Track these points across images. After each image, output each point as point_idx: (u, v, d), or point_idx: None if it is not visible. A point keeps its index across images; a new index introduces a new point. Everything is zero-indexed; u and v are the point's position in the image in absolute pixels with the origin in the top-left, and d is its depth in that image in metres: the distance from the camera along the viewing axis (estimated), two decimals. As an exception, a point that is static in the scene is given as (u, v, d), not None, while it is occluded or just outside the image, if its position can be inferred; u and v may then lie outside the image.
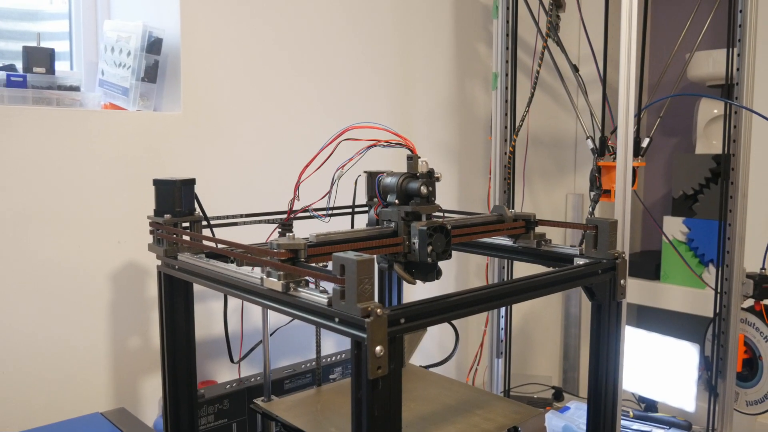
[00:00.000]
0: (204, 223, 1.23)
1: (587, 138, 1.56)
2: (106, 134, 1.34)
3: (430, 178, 1.03)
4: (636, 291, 2.24)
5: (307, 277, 0.87)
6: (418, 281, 1.06)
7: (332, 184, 1.13)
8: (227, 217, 1.31)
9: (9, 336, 1.25)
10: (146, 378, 1.44)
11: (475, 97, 2.12)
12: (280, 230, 1.19)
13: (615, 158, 1.51)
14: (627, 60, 1.29)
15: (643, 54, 1.47)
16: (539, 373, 2.33)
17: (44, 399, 1.29)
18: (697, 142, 2.15)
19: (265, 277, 0.88)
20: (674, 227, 2.17)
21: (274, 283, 0.86)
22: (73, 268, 1.32)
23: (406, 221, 1.01)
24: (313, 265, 0.90)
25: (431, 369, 1.42)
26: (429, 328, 1.47)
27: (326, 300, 0.80)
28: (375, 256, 0.76)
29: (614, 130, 1.50)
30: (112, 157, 1.36)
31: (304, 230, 1.09)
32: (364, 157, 1.29)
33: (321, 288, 0.84)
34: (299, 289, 0.86)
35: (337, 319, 0.78)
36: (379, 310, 0.74)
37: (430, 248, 0.98)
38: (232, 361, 1.37)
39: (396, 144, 1.10)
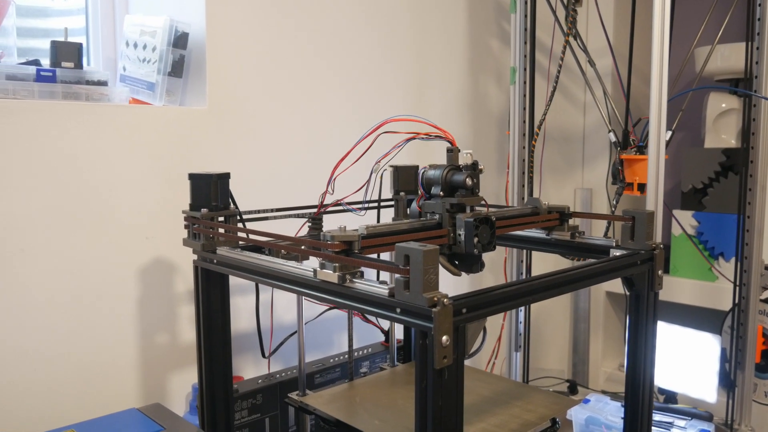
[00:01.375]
0: (238, 217, 1.23)
1: (609, 131, 1.57)
2: (134, 129, 1.33)
3: (475, 170, 1.03)
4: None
5: (361, 268, 0.87)
6: (458, 274, 1.06)
7: (369, 178, 1.13)
8: (258, 211, 1.30)
9: (40, 333, 1.24)
10: (174, 374, 1.43)
11: (489, 93, 2.13)
12: (310, 224, 1.19)
13: (637, 151, 1.53)
14: (659, 52, 1.30)
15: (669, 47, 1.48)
16: (549, 366, 2.34)
17: (76, 395, 1.28)
18: (706, 136, 2.17)
19: (318, 269, 0.88)
20: (684, 221, 2.19)
21: (329, 275, 0.86)
22: (102, 264, 1.31)
23: (450, 213, 1.02)
24: (369, 256, 0.90)
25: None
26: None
27: (387, 291, 0.80)
28: (438, 246, 0.76)
29: (636, 123, 1.51)
30: (140, 152, 1.35)
31: (332, 225, 1.09)
32: (385, 151, 1.29)
33: (373, 279, 0.84)
34: (355, 280, 0.86)
35: (399, 310, 0.78)
36: (445, 300, 0.74)
37: (476, 239, 0.98)
38: (263, 355, 1.36)
39: (435, 137, 1.11)
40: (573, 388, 2.04)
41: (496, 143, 2.16)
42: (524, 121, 1.78)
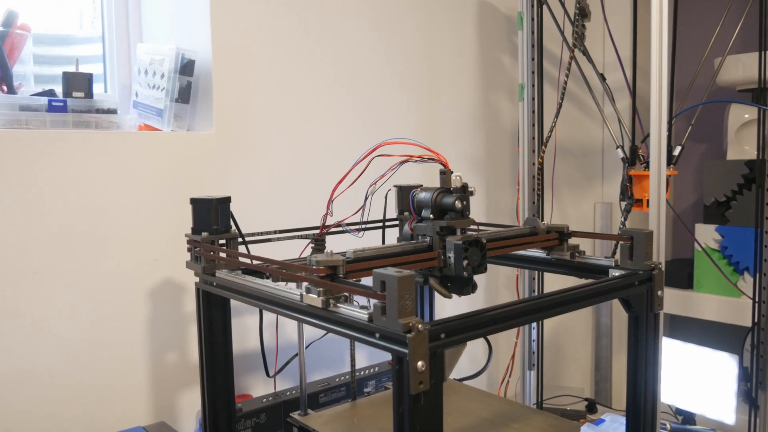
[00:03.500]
0: (240, 240, 1.25)
1: (617, 147, 1.56)
2: (143, 155, 1.37)
3: (464, 192, 1.03)
4: (668, 300, 2.21)
5: (345, 293, 0.88)
6: (453, 295, 1.06)
7: (365, 200, 1.14)
8: (261, 233, 1.33)
9: (52, 352, 1.28)
10: (184, 392, 1.46)
11: (501, 108, 2.13)
12: (313, 246, 1.21)
13: (646, 167, 1.51)
14: (658, 67, 1.29)
15: (673, 61, 1.46)
16: (571, 384, 2.31)
17: (85, 413, 1.32)
18: (729, 148, 2.13)
19: (304, 293, 0.90)
20: (707, 235, 2.15)
21: (314, 299, 0.88)
22: (112, 285, 1.35)
23: (441, 236, 1.02)
24: (352, 281, 0.91)
25: (465, 382, 1.43)
26: (463, 341, 1.47)
27: (366, 316, 0.81)
28: (413, 271, 0.77)
29: (645, 139, 1.49)
30: (149, 177, 1.39)
31: (336, 246, 1.11)
32: (396, 172, 1.30)
33: (359, 304, 0.85)
34: (339, 305, 0.87)
35: (377, 335, 0.79)
36: (420, 326, 0.75)
37: (465, 262, 0.99)
38: (267, 375, 1.38)
39: (428, 159, 1.11)
40: (591, 407, 2.01)
41: (510, 160, 2.16)
42: (533, 138, 1.77)
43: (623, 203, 1.52)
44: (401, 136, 1.92)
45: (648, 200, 1.48)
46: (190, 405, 1.46)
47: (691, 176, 2.49)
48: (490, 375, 2.13)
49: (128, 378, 1.38)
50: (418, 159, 1.12)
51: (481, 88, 2.07)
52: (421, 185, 1.23)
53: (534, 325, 1.82)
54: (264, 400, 1.33)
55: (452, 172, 1.09)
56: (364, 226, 1.20)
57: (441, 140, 1.97)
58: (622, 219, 1.52)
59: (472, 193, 1.05)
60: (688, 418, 1.74)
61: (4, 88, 1.38)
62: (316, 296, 0.88)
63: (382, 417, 1.21)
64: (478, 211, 2.08)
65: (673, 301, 2.22)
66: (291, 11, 1.60)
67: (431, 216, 1.03)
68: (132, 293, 1.38)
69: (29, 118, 1.25)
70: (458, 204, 1.02)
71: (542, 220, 1.84)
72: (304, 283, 0.91)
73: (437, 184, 1.06)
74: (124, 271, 1.37)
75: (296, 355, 1.46)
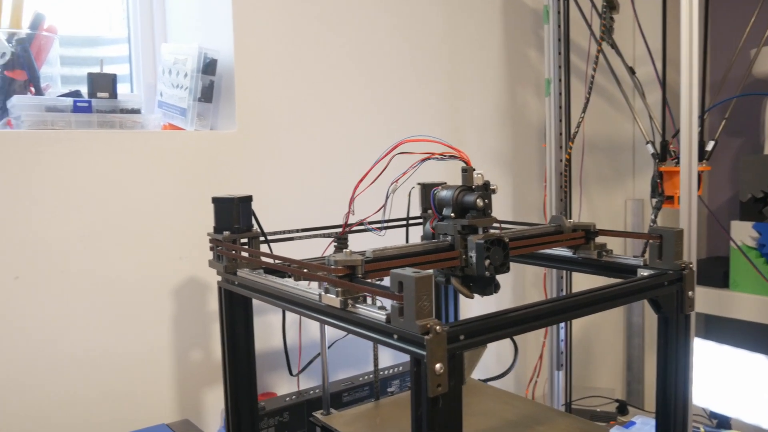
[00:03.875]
0: (262, 238, 1.25)
1: (647, 143, 1.52)
2: (166, 154, 1.38)
3: (486, 190, 1.01)
4: (702, 300, 2.15)
5: (364, 293, 0.87)
6: (477, 295, 1.04)
7: (386, 198, 1.13)
8: (284, 232, 1.32)
9: (77, 349, 1.30)
10: (209, 390, 1.46)
11: (528, 103, 2.09)
12: (336, 244, 1.20)
13: (677, 163, 1.47)
14: (688, 59, 1.25)
15: (705, 53, 1.41)
16: (601, 385, 2.26)
17: (111, 410, 1.33)
18: (766, 142, 2.06)
19: (323, 293, 0.89)
20: (743, 232, 2.08)
21: (332, 300, 0.87)
22: (137, 284, 1.36)
23: (462, 235, 1.00)
24: (371, 281, 0.89)
25: (490, 383, 1.40)
26: (487, 341, 1.44)
27: (384, 317, 0.79)
28: (432, 271, 0.75)
29: (676, 134, 1.45)
30: (172, 176, 1.39)
31: (359, 244, 1.10)
32: (418, 169, 1.28)
33: (379, 304, 0.84)
34: (357, 305, 0.86)
35: (395, 336, 0.78)
36: (438, 327, 0.73)
37: (487, 262, 0.97)
38: (291, 373, 1.38)
39: (450, 156, 1.10)
40: (622, 409, 1.97)
41: (537, 156, 2.12)
42: (560, 134, 1.74)
43: (654, 200, 1.47)
44: (425, 132, 1.90)
45: (679, 197, 1.44)
46: (215, 403, 1.47)
47: (727, 172, 2.41)
48: (518, 375, 2.10)
49: (153, 376, 1.39)
50: (439, 156, 1.11)
51: (506, 83, 2.04)
52: (445, 183, 1.21)
53: (562, 324, 1.79)
54: (287, 398, 1.33)
55: (474, 170, 1.07)
56: (385, 224, 1.19)
57: (465, 137, 1.95)
58: (653, 216, 1.48)
59: (494, 191, 1.03)
60: (722, 421, 1.69)
61: (32, 89, 1.40)
62: (334, 296, 0.86)
63: (404, 417, 1.20)
64: (504, 208, 2.05)
65: (708, 300, 2.16)
66: (312, 8, 1.60)
67: (452, 214, 1.02)
68: (156, 292, 1.39)
69: (55, 119, 1.26)
70: (480, 202, 1.00)
71: (570, 217, 1.81)
72: (324, 283, 0.90)
73: (460, 182, 1.04)
74: (148, 269, 1.37)
75: (319, 354, 1.46)
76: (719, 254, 2.41)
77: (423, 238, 1.09)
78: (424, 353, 0.73)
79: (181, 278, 1.42)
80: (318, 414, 1.24)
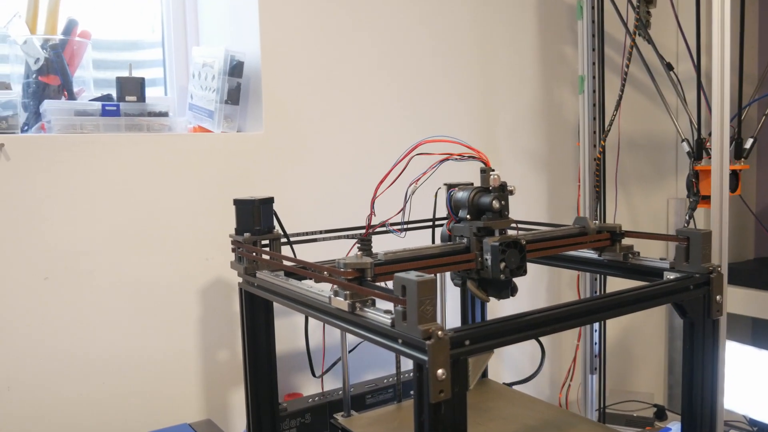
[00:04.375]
0: (284, 240, 1.26)
1: (682, 141, 1.46)
2: (193, 156, 1.40)
3: (503, 191, 0.99)
4: (748, 303, 2.07)
5: (372, 297, 0.86)
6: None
7: (405, 200, 1.12)
8: (307, 233, 1.33)
9: (107, 349, 1.33)
10: (235, 390, 1.48)
11: (564, 101, 2.04)
12: (359, 246, 1.19)
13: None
14: (720, 53, 1.19)
15: (741, 45, 1.35)
16: (640, 389, 2.19)
17: (140, 409, 1.36)
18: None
19: (332, 296, 0.88)
20: (790, 233, 2.00)
21: (341, 303, 0.86)
22: (165, 284, 1.39)
23: (478, 237, 0.98)
24: (380, 284, 0.89)
25: (516, 386, 1.38)
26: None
27: (390, 321, 0.79)
28: (436, 275, 0.74)
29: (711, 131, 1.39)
30: (199, 178, 1.41)
31: (384, 245, 1.08)
32: (444, 169, 1.27)
33: (386, 309, 0.83)
34: (365, 309, 0.85)
35: (400, 341, 0.77)
36: (440, 332, 0.72)
37: (503, 265, 0.95)
38: (314, 375, 1.38)
39: (469, 157, 1.08)
40: (660, 414, 1.91)
41: (574, 155, 2.07)
42: (594, 132, 1.70)
43: (690, 200, 1.42)
44: (455, 134, 1.88)
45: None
46: (241, 403, 1.48)
47: (774, 170, 2.31)
48: (553, 378, 2.06)
49: (180, 376, 1.41)
50: (458, 157, 1.09)
51: (542, 81, 2.00)
52: (472, 183, 1.19)
53: (596, 326, 1.74)
54: (310, 400, 1.34)
55: (492, 170, 1.05)
56: (406, 226, 1.18)
57: (499, 137, 1.92)
58: (687, 217, 1.43)
59: (511, 193, 1.01)
60: (762, 428, 1.61)
61: (66, 94, 1.44)
62: (342, 299, 0.86)
63: (424, 421, 1.19)
64: (540, 208, 2.01)
65: (753, 303, 2.08)
66: (340, 8, 1.60)
67: (468, 216, 1.00)
68: (184, 293, 1.41)
69: (84, 123, 1.30)
70: (496, 204, 0.98)
71: (605, 218, 1.76)
72: (335, 286, 0.89)
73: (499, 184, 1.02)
74: (175, 270, 1.40)
75: (340, 358, 1.46)
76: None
77: (441, 240, 1.07)
78: (426, 358, 0.72)
79: (207, 279, 1.44)
80: (339, 416, 1.24)
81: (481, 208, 0.99)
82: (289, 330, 1.54)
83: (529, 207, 1.99)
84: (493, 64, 1.89)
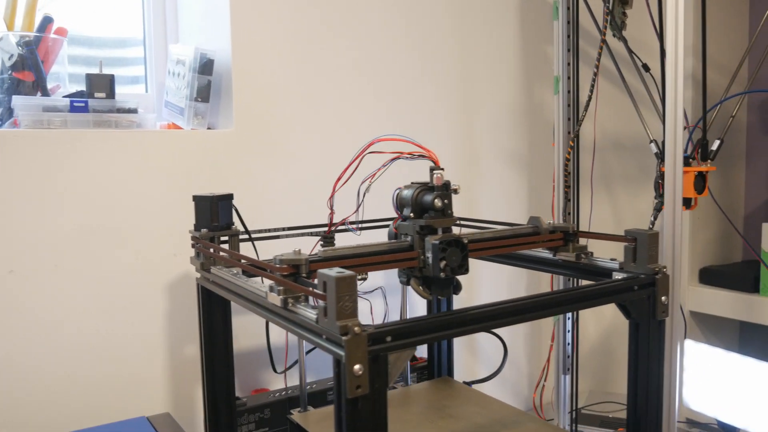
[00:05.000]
0: (247, 237, 1.27)
1: (650, 141, 1.46)
2: (161, 152, 1.42)
3: (446, 190, 1.00)
4: (735, 306, 2.06)
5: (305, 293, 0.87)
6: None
7: (358, 198, 1.13)
8: (269, 230, 1.34)
9: (72, 342, 1.35)
10: (199, 385, 1.49)
11: (544, 101, 2.04)
12: (322, 243, 1.21)
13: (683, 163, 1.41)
14: (674, 56, 1.19)
15: (704, 47, 1.34)
16: (621, 390, 2.18)
17: (104, 402, 1.38)
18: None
19: (268, 291, 0.90)
20: (775, 235, 1.98)
21: (275, 298, 0.87)
22: (131, 279, 1.40)
23: (421, 235, 0.99)
24: (312, 281, 0.90)
25: (477, 386, 1.38)
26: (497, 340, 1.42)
27: (315, 317, 0.80)
28: (356, 273, 0.75)
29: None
30: (167, 174, 1.43)
31: (350, 243, 1.09)
32: (414, 168, 1.28)
33: (314, 305, 0.84)
34: (298, 305, 0.86)
35: (324, 336, 0.78)
36: (357, 328, 0.73)
37: (443, 263, 0.95)
38: (275, 371, 1.40)
39: (419, 156, 1.09)
40: (637, 416, 1.89)
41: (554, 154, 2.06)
42: (569, 132, 1.69)
43: (656, 201, 1.42)
44: (434, 133, 1.88)
45: (683, 198, 1.38)
46: (208, 396, 1.50)
47: (765, 172, 2.29)
48: (531, 379, 2.05)
49: (145, 370, 1.43)
50: (408, 156, 1.10)
51: (523, 81, 2.00)
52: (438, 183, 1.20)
53: (569, 326, 1.74)
54: (270, 395, 1.35)
55: (443, 170, 1.05)
56: (360, 225, 1.19)
57: (478, 135, 1.92)
58: (652, 218, 1.43)
59: (455, 191, 1.02)
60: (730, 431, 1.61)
61: (41, 90, 1.46)
62: (276, 295, 0.87)
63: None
64: (519, 209, 2.01)
65: (736, 305, 2.07)
66: (313, 7, 1.61)
67: (412, 215, 1.01)
68: (151, 287, 1.43)
69: (51, 119, 1.31)
70: (438, 202, 0.98)
71: (577, 218, 1.76)
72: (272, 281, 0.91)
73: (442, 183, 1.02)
74: (142, 265, 1.42)
75: (310, 350, 1.47)
76: (755, 258, 2.30)
77: (388, 237, 1.08)
78: (343, 354, 0.73)
79: (174, 275, 1.45)
80: (295, 411, 1.25)
81: (424, 206, 1.00)
82: (259, 326, 1.55)
83: (510, 206, 1.99)
84: (473, 63, 1.89)
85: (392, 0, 1.73)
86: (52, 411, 1.33)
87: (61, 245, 1.33)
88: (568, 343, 1.74)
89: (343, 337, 0.72)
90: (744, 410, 1.57)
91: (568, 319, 1.74)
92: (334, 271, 0.75)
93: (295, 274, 0.89)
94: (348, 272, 0.75)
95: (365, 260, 0.95)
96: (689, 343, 1.76)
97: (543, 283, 2.05)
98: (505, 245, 1.08)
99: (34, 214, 1.30)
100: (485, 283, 1.93)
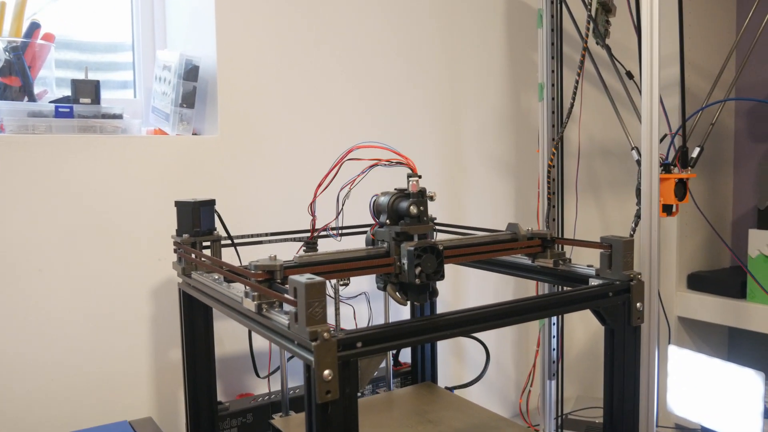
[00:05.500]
0: (229, 242, 1.28)
1: (632, 149, 1.47)
2: (146, 158, 1.43)
3: (422, 197, 1.01)
4: (723, 311, 2.07)
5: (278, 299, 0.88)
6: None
7: (338, 204, 1.14)
8: (252, 236, 1.35)
9: (56, 345, 1.36)
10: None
11: (531, 107, 2.05)
12: (305, 249, 1.21)
13: (663, 170, 1.42)
14: (649, 59, 1.20)
15: (681, 54, 1.35)
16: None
17: (87, 407, 1.39)
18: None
19: (243, 297, 0.90)
20: (761, 241, 1.99)
21: (249, 303, 0.88)
22: (115, 284, 1.41)
23: (396, 241, 1.00)
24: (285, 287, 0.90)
25: (459, 391, 1.39)
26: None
27: (287, 323, 0.80)
28: (326, 279, 0.76)
29: (662, 138, 1.39)
30: (152, 179, 1.44)
31: (331, 248, 1.09)
32: (397, 174, 1.28)
33: (287, 310, 0.85)
34: (272, 310, 0.87)
35: (295, 342, 0.79)
36: (326, 334, 0.74)
37: (418, 269, 0.96)
38: (258, 375, 1.40)
39: (397, 163, 1.10)
40: (623, 422, 1.90)
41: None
42: (553, 139, 1.70)
43: (637, 208, 1.42)
44: (420, 139, 1.89)
45: (663, 205, 1.39)
46: (192, 401, 1.50)
47: (752, 179, 2.31)
48: (519, 384, 2.06)
49: (130, 374, 1.43)
50: (386, 163, 1.11)
51: (509, 87, 2.01)
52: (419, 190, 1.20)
53: (554, 332, 1.75)
54: (252, 400, 1.35)
55: (420, 177, 1.06)
56: (341, 230, 1.20)
57: (465, 141, 1.93)
58: (633, 225, 1.44)
59: (431, 198, 1.03)
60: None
61: (28, 95, 1.47)
62: (251, 300, 0.88)
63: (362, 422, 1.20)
64: (505, 215, 2.02)
65: (723, 311, 2.08)
66: (298, 14, 1.62)
67: (388, 222, 1.02)
68: (136, 291, 1.44)
69: (36, 124, 1.32)
70: (413, 209, 0.99)
71: (561, 225, 1.77)
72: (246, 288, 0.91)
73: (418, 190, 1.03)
74: (128, 270, 1.42)
75: (291, 356, 1.47)
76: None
77: (366, 244, 1.09)
78: (312, 359, 0.73)
79: (159, 279, 1.46)
80: (276, 416, 1.25)
81: (400, 213, 1.01)
82: (244, 330, 1.55)
83: (497, 212, 2.00)
84: (460, 69, 1.90)
85: (378, 6, 1.74)
86: (33, 415, 1.34)
87: (45, 249, 1.34)
88: (554, 349, 1.75)
89: (313, 343, 0.73)
90: (727, 416, 1.57)
91: (554, 324, 1.75)
92: (304, 278, 0.76)
93: (270, 280, 0.90)
94: (318, 279, 0.76)
95: (341, 266, 0.96)
96: (673, 349, 1.77)
97: (531, 289, 2.06)
98: (482, 251, 1.09)
99: (19, 218, 1.31)
100: (471, 289, 1.94)
